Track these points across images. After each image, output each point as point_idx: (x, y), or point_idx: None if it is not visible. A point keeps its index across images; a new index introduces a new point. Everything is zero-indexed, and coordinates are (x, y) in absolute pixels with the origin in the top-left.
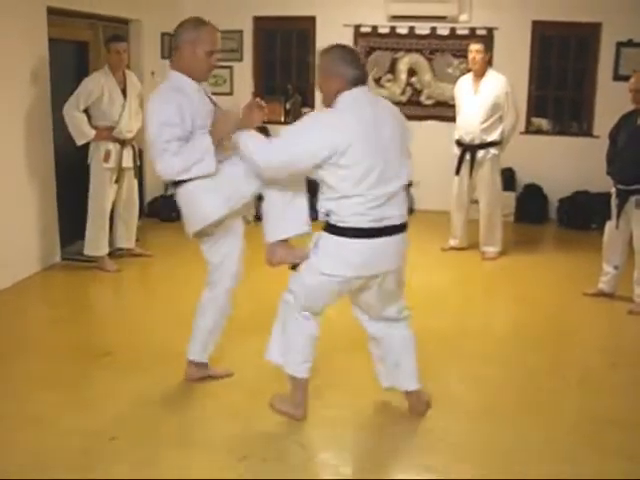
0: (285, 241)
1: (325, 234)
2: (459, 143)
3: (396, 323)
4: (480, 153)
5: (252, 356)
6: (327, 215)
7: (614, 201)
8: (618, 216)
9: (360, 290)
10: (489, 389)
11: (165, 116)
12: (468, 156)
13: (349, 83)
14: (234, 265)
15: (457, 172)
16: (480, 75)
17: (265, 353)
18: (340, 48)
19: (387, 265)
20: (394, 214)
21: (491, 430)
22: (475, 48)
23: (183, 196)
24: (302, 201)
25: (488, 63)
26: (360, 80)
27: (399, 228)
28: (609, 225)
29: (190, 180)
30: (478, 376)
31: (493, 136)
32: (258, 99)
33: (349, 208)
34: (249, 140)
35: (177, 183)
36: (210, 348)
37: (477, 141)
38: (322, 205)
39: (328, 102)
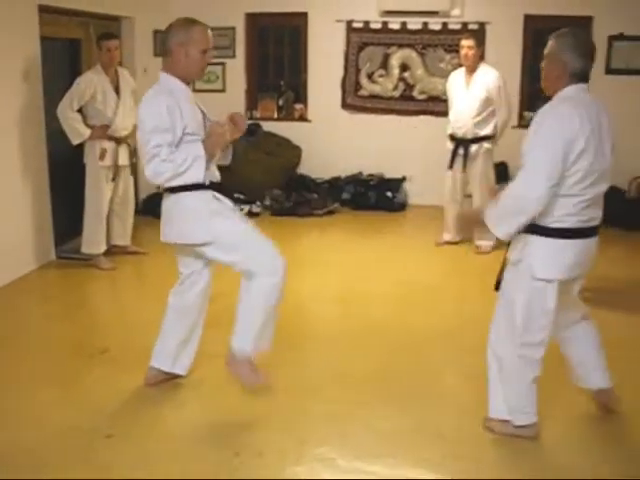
0: None
1: (534, 237)
2: (452, 137)
3: (585, 321)
4: (473, 147)
5: None
6: None
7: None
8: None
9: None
10: (484, 383)
11: (156, 120)
12: (461, 150)
13: (569, 74)
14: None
15: (450, 166)
16: (472, 70)
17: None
18: (573, 35)
19: (589, 265)
20: (598, 215)
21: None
22: (467, 44)
23: (175, 205)
24: None
25: (480, 58)
26: (583, 75)
27: (598, 229)
28: None
29: (185, 192)
30: (474, 370)
31: (486, 130)
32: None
33: (566, 208)
34: (504, 199)
35: (171, 190)
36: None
37: (470, 135)
38: None
39: (546, 87)
